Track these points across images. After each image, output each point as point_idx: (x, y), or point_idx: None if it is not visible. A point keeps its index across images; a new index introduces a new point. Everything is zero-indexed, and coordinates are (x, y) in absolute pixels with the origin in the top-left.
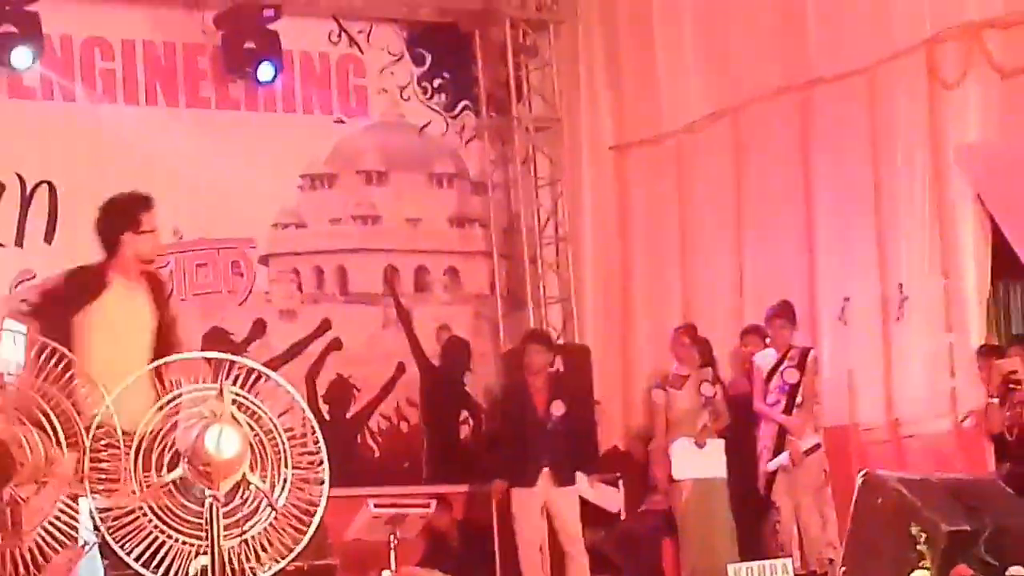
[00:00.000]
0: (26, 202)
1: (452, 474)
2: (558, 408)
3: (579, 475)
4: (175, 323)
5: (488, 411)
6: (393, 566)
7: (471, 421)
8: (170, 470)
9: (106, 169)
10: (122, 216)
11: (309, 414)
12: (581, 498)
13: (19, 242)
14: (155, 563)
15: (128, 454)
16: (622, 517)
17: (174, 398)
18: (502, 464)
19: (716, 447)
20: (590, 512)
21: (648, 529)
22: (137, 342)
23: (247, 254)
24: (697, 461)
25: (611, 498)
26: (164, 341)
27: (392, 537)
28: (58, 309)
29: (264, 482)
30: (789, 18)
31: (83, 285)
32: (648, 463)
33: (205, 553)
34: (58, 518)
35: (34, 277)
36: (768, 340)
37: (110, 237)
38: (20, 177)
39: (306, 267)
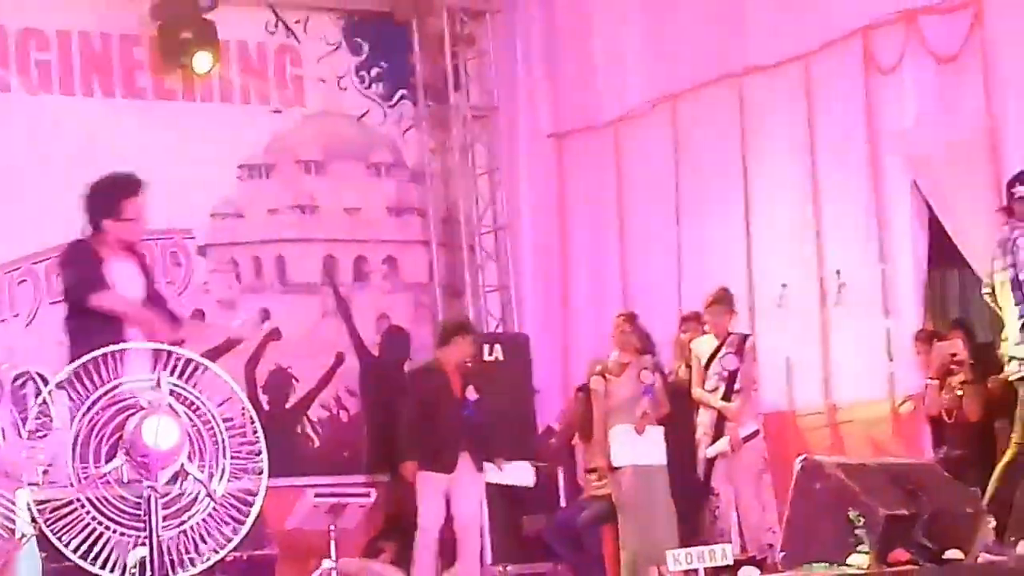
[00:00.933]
0: None
1: (392, 463)
2: (472, 394)
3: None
4: (165, 301)
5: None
6: (333, 555)
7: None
8: (108, 461)
9: (42, 160)
10: (103, 203)
11: (248, 404)
12: (518, 487)
13: None
14: (93, 555)
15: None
16: (563, 504)
17: (111, 389)
18: (422, 451)
19: (656, 434)
20: (529, 500)
21: (588, 516)
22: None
23: (185, 245)
24: (637, 448)
25: (522, 474)
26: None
27: (332, 527)
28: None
29: (203, 472)
30: (726, 6)
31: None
32: (588, 451)
33: (143, 544)
34: None
35: None
36: (706, 327)
37: (93, 220)
38: None
39: (244, 257)
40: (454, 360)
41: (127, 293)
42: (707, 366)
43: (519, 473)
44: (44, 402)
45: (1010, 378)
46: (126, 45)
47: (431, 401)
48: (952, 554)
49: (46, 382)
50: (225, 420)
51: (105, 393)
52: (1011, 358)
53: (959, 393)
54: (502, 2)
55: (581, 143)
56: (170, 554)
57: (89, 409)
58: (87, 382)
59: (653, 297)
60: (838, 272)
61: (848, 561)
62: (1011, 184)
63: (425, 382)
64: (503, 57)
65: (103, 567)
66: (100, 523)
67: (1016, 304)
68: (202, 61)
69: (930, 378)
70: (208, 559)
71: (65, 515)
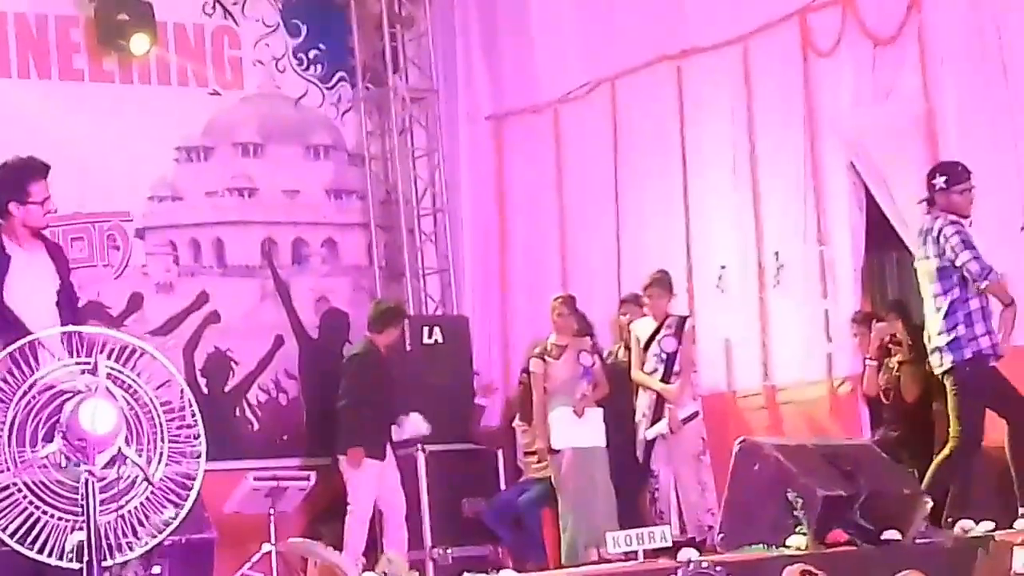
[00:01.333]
0: None
1: (332, 446)
2: None
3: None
4: (74, 287)
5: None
6: (273, 539)
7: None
8: (45, 445)
9: None
10: (8, 185)
11: (186, 388)
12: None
13: None
14: (31, 539)
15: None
16: (503, 486)
17: (49, 372)
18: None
19: (595, 416)
20: (470, 482)
21: (528, 499)
22: (43, 307)
23: (123, 227)
24: (576, 430)
25: (416, 426)
26: (69, 306)
27: (271, 510)
28: None
29: (140, 456)
30: None
31: None
32: (528, 433)
33: (81, 529)
34: None
35: None
36: (645, 308)
37: None
38: None
39: (183, 240)
40: (386, 345)
41: (38, 284)
42: (646, 348)
43: (413, 426)
44: None
45: (935, 371)
46: (62, 27)
47: (368, 386)
48: (890, 534)
49: None
50: (163, 404)
51: (41, 377)
52: (935, 349)
53: (897, 374)
54: None
55: (520, 125)
56: (108, 538)
57: (26, 393)
58: (24, 366)
59: (592, 279)
60: (776, 254)
61: (787, 542)
62: (931, 175)
63: (361, 366)
64: (442, 39)
65: (40, 552)
66: (37, 507)
67: (936, 295)
68: (139, 43)
69: (868, 358)
70: (146, 543)
71: (1, 500)
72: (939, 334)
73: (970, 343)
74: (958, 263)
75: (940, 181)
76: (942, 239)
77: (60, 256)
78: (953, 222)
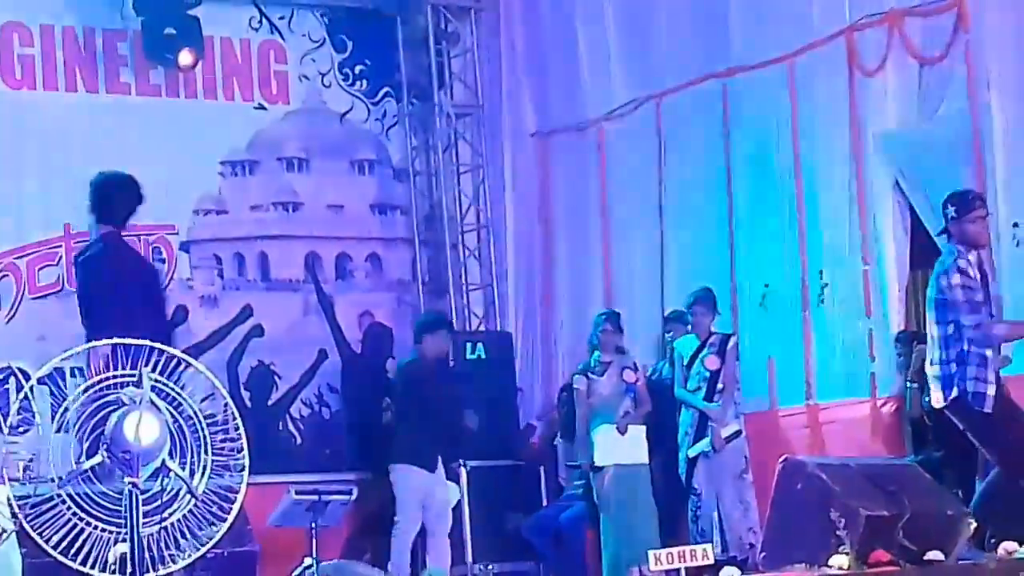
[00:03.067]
0: None
1: (374, 460)
2: None
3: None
4: None
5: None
6: (315, 553)
7: (393, 408)
8: (89, 457)
9: (24, 155)
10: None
11: (229, 401)
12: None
13: None
14: (74, 551)
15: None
16: (544, 502)
17: (93, 385)
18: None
19: (638, 433)
20: (512, 498)
21: (570, 516)
22: None
23: (168, 240)
24: (619, 447)
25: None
26: None
27: (312, 524)
28: None
29: (184, 469)
30: (711, 5)
31: None
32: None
33: (124, 541)
34: None
35: None
36: (689, 326)
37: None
38: None
39: (227, 254)
40: (432, 355)
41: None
42: (689, 366)
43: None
44: (25, 397)
45: (936, 406)
46: (110, 40)
47: (418, 396)
48: (933, 555)
49: (28, 377)
50: (207, 416)
51: (87, 389)
52: (935, 378)
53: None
54: (487, 0)
55: (565, 142)
56: (151, 551)
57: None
58: (69, 378)
59: (636, 296)
60: (821, 272)
61: (829, 562)
62: (943, 205)
63: (410, 376)
64: (487, 55)
65: (83, 563)
66: (81, 519)
67: (937, 323)
68: (186, 57)
69: (909, 381)
70: (189, 556)
71: (46, 511)
72: (931, 364)
73: (958, 383)
74: (963, 322)
75: (951, 211)
76: (944, 281)
77: None
78: (961, 270)
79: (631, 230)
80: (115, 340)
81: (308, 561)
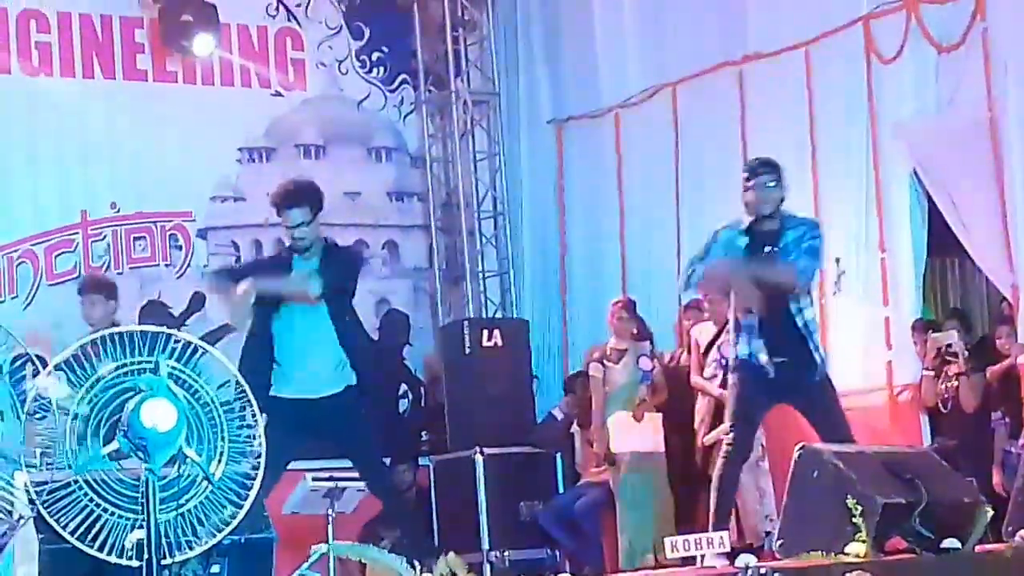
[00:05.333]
0: None
1: (391, 448)
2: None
3: None
4: None
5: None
6: (331, 540)
7: (410, 395)
8: (106, 444)
9: (43, 142)
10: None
11: (246, 387)
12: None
13: None
14: (91, 537)
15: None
16: (560, 490)
17: (111, 371)
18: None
19: (654, 421)
20: (528, 485)
21: (586, 503)
22: None
23: (185, 227)
24: (634, 435)
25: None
26: None
27: (329, 511)
28: None
29: (201, 455)
30: None
31: None
32: (586, 437)
33: (141, 527)
34: None
35: None
36: (706, 314)
37: None
38: None
39: (245, 240)
40: None
41: None
42: (706, 353)
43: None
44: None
45: None
46: (127, 27)
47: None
48: (950, 543)
49: (45, 364)
50: (223, 403)
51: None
52: None
53: (955, 384)
54: None
55: (581, 129)
56: (167, 537)
57: (88, 391)
58: (86, 364)
59: (652, 283)
60: (837, 260)
61: (846, 549)
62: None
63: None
64: (504, 43)
65: (100, 549)
66: (98, 505)
67: None
68: (203, 44)
69: (925, 369)
70: (205, 542)
71: (63, 497)
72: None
73: None
74: None
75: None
76: None
77: None
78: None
79: (647, 217)
80: (131, 327)
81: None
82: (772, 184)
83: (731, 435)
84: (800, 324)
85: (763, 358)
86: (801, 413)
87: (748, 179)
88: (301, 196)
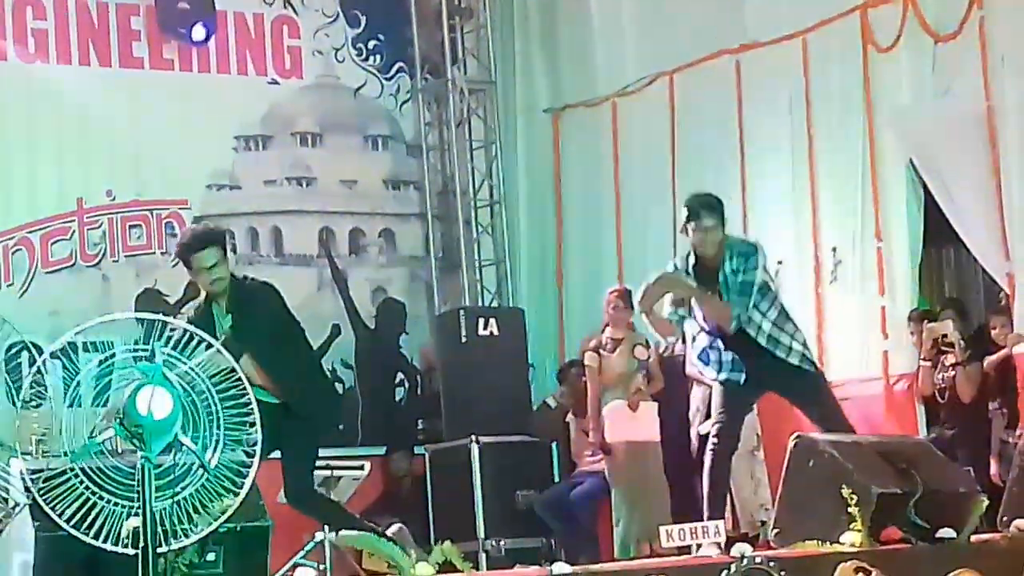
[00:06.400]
0: None
1: (387, 436)
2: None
3: None
4: None
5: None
6: (326, 528)
7: (406, 383)
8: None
9: (39, 130)
10: None
11: (242, 375)
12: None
13: None
14: (86, 525)
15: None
16: (556, 479)
17: (106, 359)
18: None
19: (649, 410)
20: (524, 474)
21: (581, 492)
22: None
23: (181, 215)
24: (630, 424)
25: None
26: None
27: None
28: None
29: (196, 444)
30: None
31: None
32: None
33: (137, 515)
34: None
35: None
36: None
37: None
38: None
39: (241, 228)
40: None
41: None
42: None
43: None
44: (38, 371)
45: None
46: (123, 14)
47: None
48: (945, 532)
49: (40, 351)
50: (219, 391)
51: (100, 363)
52: None
53: (952, 374)
54: None
55: (577, 117)
56: (163, 525)
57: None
58: (82, 352)
59: (648, 272)
60: (834, 250)
61: (841, 539)
62: None
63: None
64: (500, 31)
65: (96, 537)
66: (94, 493)
67: None
68: (199, 31)
69: (922, 359)
70: (201, 530)
71: (58, 485)
72: None
73: None
74: None
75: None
76: None
77: None
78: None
79: (643, 206)
80: (127, 314)
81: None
82: (711, 225)
83: (717, 427)
84: (762, 340)
85: (736, 376)
86: (790, 402)
87: (688, 220)
88: (209, 238)
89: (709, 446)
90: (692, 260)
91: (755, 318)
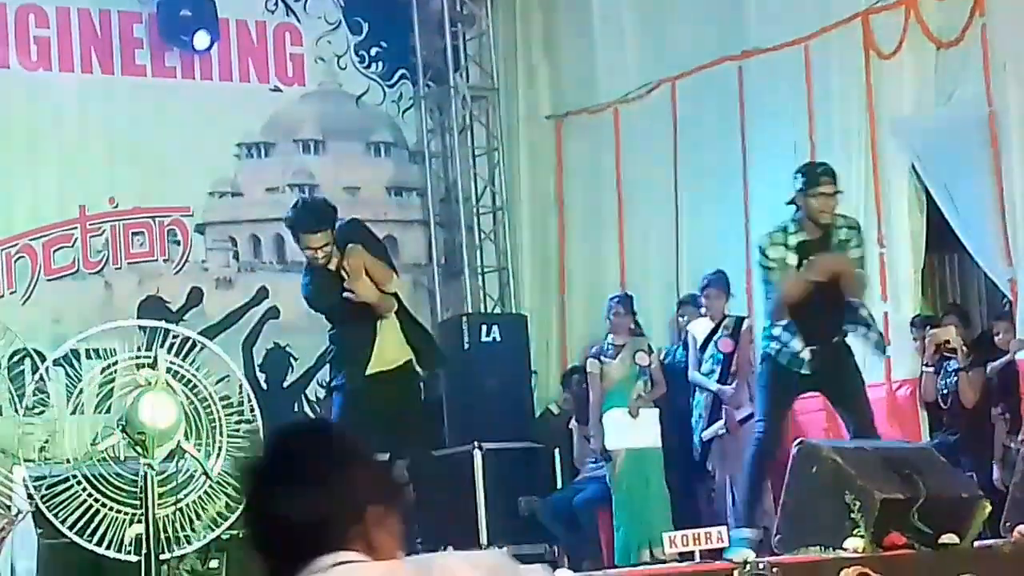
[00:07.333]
0: None
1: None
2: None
3: None
4: None
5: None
6: None
7: None
8: (105, 438)
9: (42, 137)
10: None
11: (245, 383)
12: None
13: None
14: (89, 531)
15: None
16: (559, 485)
17: (109, 366)
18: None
19: (650, 417)
20: (526, 480)
21: (584, 498)
22: None
23: (183, 222)
24: (630, 431)
25: None
26: None
27: None
28: None
29: (199, 451)
30: None
31: None
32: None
33: (140, 521)
34: None
35: None
36: (703, 309)
37: None
38: None
39: (243, 235)
40: None
41: None
42: (703, 349)
43: None
44: (41, 379)
45: None
46: (126, 22)
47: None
48: (948, 538)
49: (43, 359)
50: (222, 398)
51: (102, 370)
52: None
53: (954, 379)
54: None
55: (580, 124)
56: (166, 531)
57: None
58: (84, 359)
59: (650, 279)
60: None
61: (844, 545)
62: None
63: None
64: (503, 38)
65: (99, 544)
66: (96, 500)
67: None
68: (201, 39)
69: (924, 365)
70: (204, 537)
71: (61, 492)
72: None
73: None
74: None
75: (798, 182)
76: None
77: None
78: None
79: (645, 213)
80: (130, 321)
81: None
82: (831, 192)
83: (762, 424)
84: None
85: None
86: (833, 404)
87: (806, 187)
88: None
89: (752, 442)
90: (803, 229)
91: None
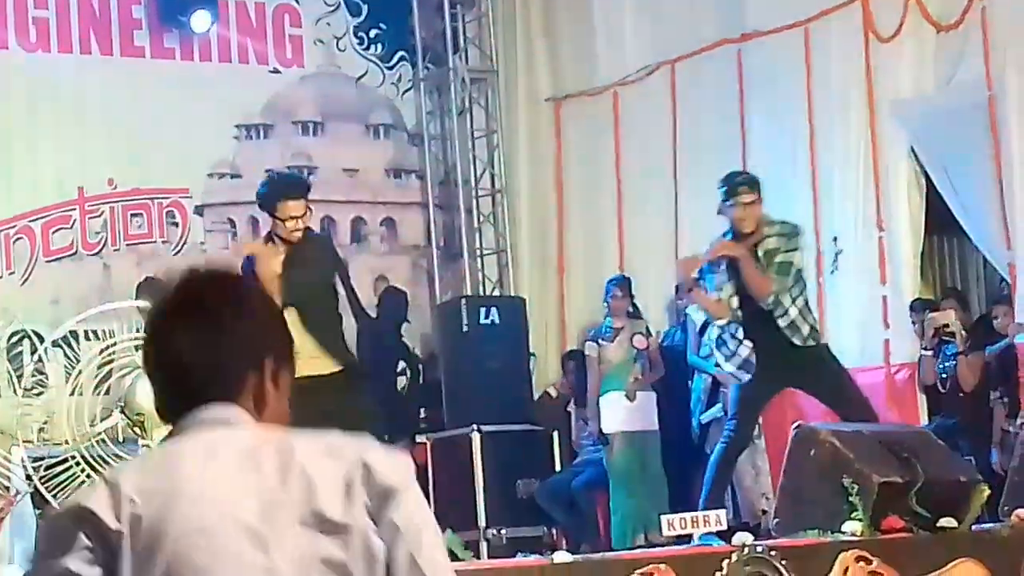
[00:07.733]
0: None
1: (389, 425)
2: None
3: None
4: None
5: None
6: None
7: (408, 372)
8: (103, 419)
9: (40, 118)
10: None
11: None
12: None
13: None
14: None
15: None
16: (557, 468)
17: (108, 347)
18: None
19: (647, 400)
20: (525, 463)
21: (582, 481)
22: None
23: (182, 204)
24: (627, 414)
25: None
26: None
27: None
28: None
29: None
30: None
31: None
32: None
33: None
34: None
35: None
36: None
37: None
38: None
39: (242, 217)
40: None
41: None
42: (702, 332)
43: None
44: (40, 360)
45: None
46: (124, 3)
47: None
48: (946, 522)
49: (42, 340)
50: None
51: (101, 352)
52: None
53: (953, 363)
54: None
55: (579, 107)
56: None
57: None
58: (83, 340)
59: (649, 262)
60: (835, 239)
61: (842, 528)
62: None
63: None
64: (502, 20)
65: None
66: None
67: None
68: (200, 21)
69: (923, 348)
70: None
71: (60, 473)
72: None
73: None
74: None
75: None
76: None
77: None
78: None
79: (645, 195)
80: (128, 303)
81: None
82: (751, 200)
83: (732, 423)
84: (783, 323)
85: (745, 376)
86: (813, 395)
87: (727, 197)
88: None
89: (721, 440)
90: (730, 238)
91: (784, 302)
